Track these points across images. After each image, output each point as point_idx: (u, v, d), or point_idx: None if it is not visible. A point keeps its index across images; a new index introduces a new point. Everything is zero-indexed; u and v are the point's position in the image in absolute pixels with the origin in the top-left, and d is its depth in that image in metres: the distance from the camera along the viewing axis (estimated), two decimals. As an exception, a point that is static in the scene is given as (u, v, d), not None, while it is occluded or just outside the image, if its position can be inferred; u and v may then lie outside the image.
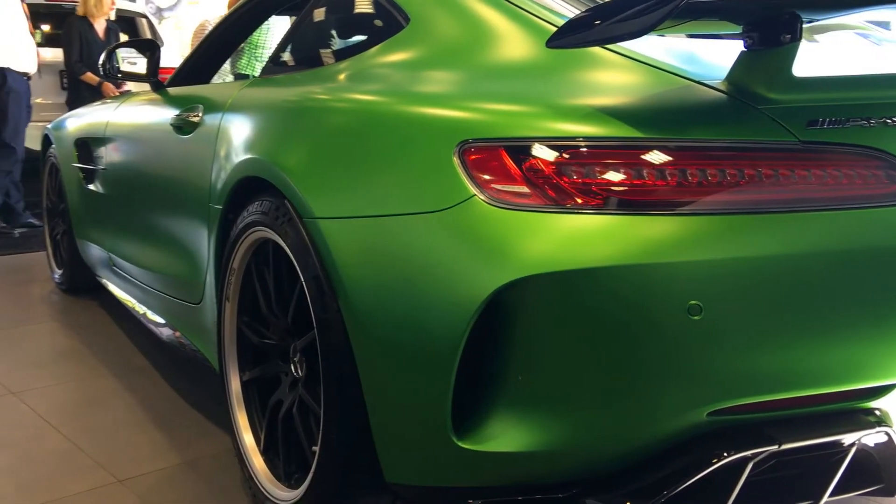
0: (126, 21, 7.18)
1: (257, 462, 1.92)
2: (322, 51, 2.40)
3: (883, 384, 1.38)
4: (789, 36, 1.29)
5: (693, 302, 1.23)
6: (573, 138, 1.33)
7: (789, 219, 1.28)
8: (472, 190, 1.34)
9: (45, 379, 2.83)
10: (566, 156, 1.31)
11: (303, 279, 1.61)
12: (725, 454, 1.30)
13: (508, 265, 1.29)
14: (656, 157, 1.29)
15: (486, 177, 1.35)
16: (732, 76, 1.37)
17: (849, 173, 1.31)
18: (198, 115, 2.30)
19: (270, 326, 1.91)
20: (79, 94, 5.56)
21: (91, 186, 3.35)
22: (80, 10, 5.51)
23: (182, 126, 2.39)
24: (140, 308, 2.91)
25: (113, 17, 5.60)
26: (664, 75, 1.45)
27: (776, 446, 1.29)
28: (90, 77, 5.55)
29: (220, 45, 2.95)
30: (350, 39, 2.39)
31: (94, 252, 3.44)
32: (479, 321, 1.32)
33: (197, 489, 2.05)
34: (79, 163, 3.47)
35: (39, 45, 6.73)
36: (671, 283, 1.24)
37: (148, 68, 2.85)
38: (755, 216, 1.28)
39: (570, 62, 1.51)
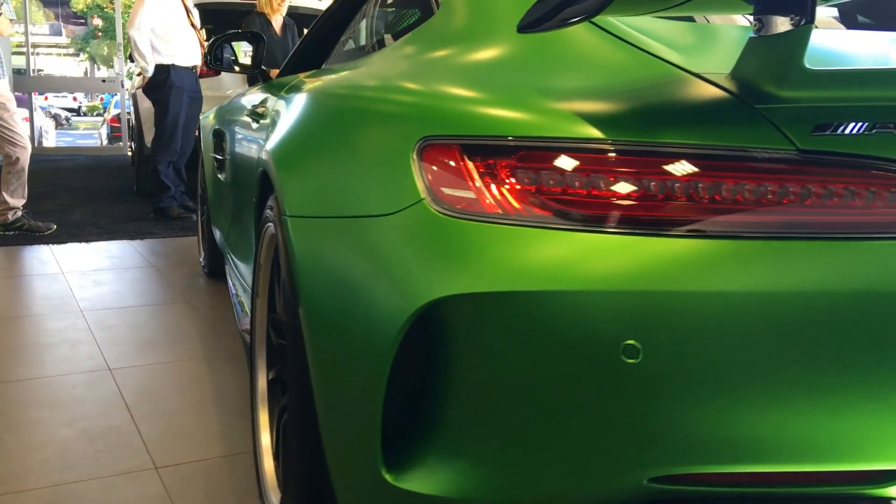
0: (314, 19, 7.47)
1: (268, 464, 1.86)
2: (364, 44, 2.30)
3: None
4: (798, 17, 1.02)
5: (629, 342, 1.01)
6: (525, 139, 1.13)
7: (768, 247, 1.01)
8: (422, 193, 1.19)
9: (145, 357, 2.95)
10: (517, 159, 1.12)
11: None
12: (677, 532, 1.05)
13: (437, 281, 1.12)
14: (614, 163, 1.06)
15: (437, 179, 1.19)
16: (738, 68, 1.12)
17: (862, 193, 1.02)
18: (265, 107, 2.28)
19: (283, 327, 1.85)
20: None
21: (218, 175, 3.47)
22: (258, 8, 5.77)
23: (255, 117, 2.38)
24: (237, 296, 2.96)
25: (284, 13, 5.80)
26: (664, 67, 1.21)
27: (739, 532, 1.03)
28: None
29: (323, 36, 2.93)
30: (395, 31, 2.28)
31: (219, 237, 3.57)
32: (412, 344, 1.16)
33: (220, 485, 2.02)
34: (212, 152, 3.61)
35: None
36: (605, 317, 1.02)
37: (253, 60, 2.88)
38: (724, 241, 1.02)
39: (556, 49, 1.31)
